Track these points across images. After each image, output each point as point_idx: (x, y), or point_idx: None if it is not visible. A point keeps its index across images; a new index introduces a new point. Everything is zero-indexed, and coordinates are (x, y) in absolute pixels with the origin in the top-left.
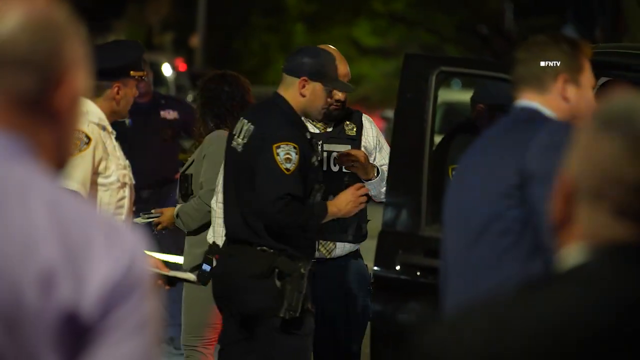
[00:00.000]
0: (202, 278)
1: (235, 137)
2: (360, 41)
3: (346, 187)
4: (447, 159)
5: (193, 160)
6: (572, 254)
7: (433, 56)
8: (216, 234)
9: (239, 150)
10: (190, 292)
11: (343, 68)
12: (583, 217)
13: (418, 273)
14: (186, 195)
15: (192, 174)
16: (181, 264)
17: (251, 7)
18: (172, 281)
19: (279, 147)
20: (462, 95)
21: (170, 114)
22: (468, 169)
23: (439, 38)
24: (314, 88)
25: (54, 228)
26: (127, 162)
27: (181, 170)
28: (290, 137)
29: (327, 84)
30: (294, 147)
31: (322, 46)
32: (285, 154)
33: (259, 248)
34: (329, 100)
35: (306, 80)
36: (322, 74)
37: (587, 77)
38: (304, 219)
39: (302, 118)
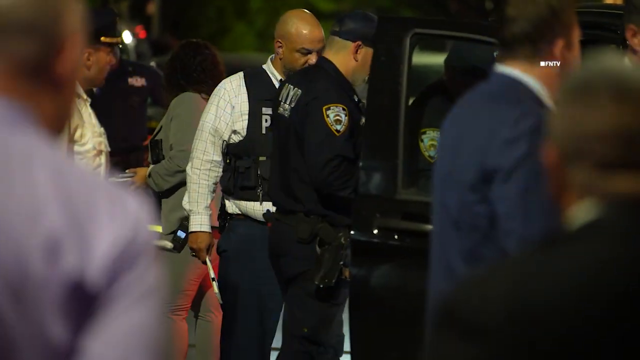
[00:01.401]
0: (177, 244)
1: (282, 103)
2: (316, 6)
3: None
4: (421, 123)
5: (162, 126)
6: (580, 212)
7: (407, 18)
8: (191, 199)
9: (287, 115)
10: (163, 258)
11: (318, 33)
12: (577, 179)
13: (396, 236)
14: (158, 162)
15: (161, 140)
16: (158, 231)
17: None
18: None
19: (328, 108)
20: (430, 59)
21: (138, 81)
22: (447, 146)
23: (394, 1)
24: (366, 52)
25: (58, 196)
26: (102, 129)
27: (151, 137)
28: (339, 99)
29: (364, 43)
30: (344, 109)
31: (295, 10)
32: (335, 116)
33: (302, 213)
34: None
35: (360, 45)
36: (362, 34)
37: (577, 33)
38: (355, 181)
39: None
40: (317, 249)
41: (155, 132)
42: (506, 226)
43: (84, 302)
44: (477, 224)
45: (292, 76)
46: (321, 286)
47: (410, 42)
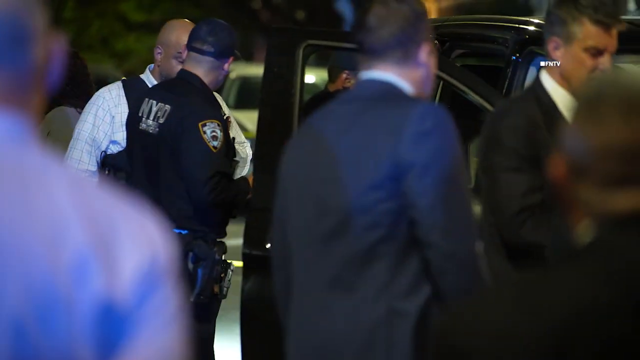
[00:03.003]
0: None
1: (144, 118)
2: (127, 16)
3: None
4: None
5: None
6: (583, 232)
7: (299, 29)
8: None
9: (153, 131)
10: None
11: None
12: (582, 197)
13: None
14: None
15: None
16: None
17: None
18: None
19: (204, 124)
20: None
21: None
22: (319, 152)
23: (204, 12)
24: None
25: (80, 215)
26: None
27: None
28: (213, 115)
29: (236, 57)
30: (218, 125)
31: (178, 19)
32: (212, 132)
33: (175, 231)
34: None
35: None
36: (233, 48)
37: (431, 41)
38: (235, 196)
39: None
40: (190, 265)
41: None
42: (429, 220)
43: (112, 326)
44: (380, 222)
45: (151, 90)
46: (196, 302)
47: (303, 54)
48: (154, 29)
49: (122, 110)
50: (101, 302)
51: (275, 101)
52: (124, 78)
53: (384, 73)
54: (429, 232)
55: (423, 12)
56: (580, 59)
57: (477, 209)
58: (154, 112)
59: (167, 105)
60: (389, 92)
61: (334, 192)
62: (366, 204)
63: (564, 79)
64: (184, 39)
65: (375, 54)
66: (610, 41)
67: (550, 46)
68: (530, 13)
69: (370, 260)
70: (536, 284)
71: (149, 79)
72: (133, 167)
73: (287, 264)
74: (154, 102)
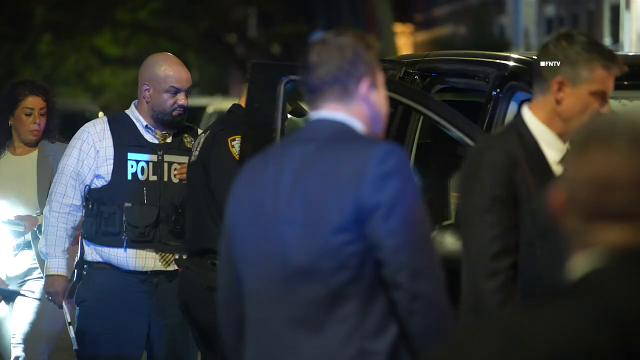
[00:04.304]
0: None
1: (193, 152)
2: (102, 50)
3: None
4: None
5: None
6: (578, 264)
7: (281, 64)
8: (49, 242)
9: (195, 160)
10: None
11: (185, 72)
12: (574, 227)
13: None
14: None
15: None
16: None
17: None
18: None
19: (234, 139)
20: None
21: None
22: (277, 192)
23: (181, 46)
24: None
25: None
26: None
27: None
28: None
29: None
30: None
31: (159, 54)
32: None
33: (209, 262)
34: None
35: None
36: None
37: (381, 76)
38: None
39: (145, 129)
40: None
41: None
42: (395, 261)
43: None
44: (346, 264)
45: (206, 128)
46: None
47: (284, 89)
48: (129, 63)
49: (107, 144)
50: None
51: (257, 137)
52: (100, 113)
53: (333, 112)
54: (396, 273)
55: (364, 47)
56: (586, 102)
57: (457, 244)
58: (200, 143)
59: (208, 131)
60: (344, 132)
61: (296, 234)
62: (332, 247)
63: (562, 119)
64: (171, 71)
65: (316, 92)
66: (611, 84)
67: (554, 87)
68: (506, 47)
69: (338, 301)
70: (523, 321)
71: (134, 114)
72: (188, 203)
73: (238, 302)
74: (203, 135)
